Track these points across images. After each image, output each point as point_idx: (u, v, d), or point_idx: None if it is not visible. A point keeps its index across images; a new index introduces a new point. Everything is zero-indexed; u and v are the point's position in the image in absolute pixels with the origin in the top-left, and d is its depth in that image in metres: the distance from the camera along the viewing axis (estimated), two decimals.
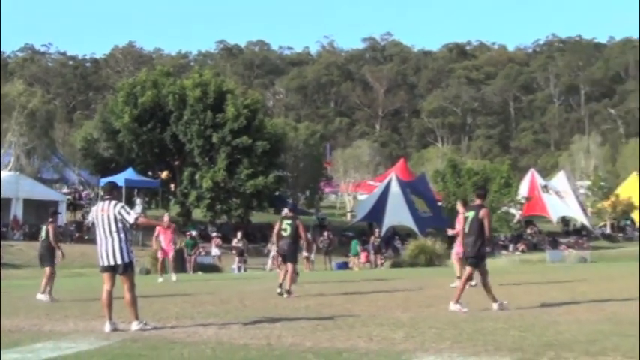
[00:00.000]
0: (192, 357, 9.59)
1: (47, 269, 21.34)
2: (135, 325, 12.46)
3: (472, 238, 14.98)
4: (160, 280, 29.02)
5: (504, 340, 10.19)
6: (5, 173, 54.29)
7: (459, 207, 23.26)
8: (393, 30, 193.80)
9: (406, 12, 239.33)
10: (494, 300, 14.84)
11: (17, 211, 47.54)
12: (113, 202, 12.75)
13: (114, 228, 12.54)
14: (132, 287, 12.66)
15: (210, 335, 11.60)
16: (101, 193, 62.82)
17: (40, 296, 20.41)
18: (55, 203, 54.64)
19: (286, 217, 20.90)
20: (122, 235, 12.58)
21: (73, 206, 60.38)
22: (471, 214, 15.27)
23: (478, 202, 15.69)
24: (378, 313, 14.36)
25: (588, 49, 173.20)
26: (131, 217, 12.74)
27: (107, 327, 12.36)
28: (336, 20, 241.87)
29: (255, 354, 9.67)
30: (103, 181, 59.48)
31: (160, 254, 30.54)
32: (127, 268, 12.67)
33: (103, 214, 12.62)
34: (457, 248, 21.85)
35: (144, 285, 20.81)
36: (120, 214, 12.55)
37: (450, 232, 24.03)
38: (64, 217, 55.17)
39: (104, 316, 12.61)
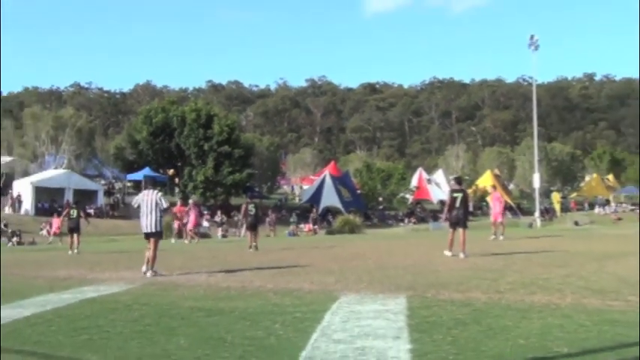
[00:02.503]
0: (190, 295, 9.57)
1: (76, 236, 23.36)
2: (149, 273, 12.77)
3: (462, 211, 15.85)
4: (186, 242, 30.24)
5: (402, 282, 10.25)
6: (61, 170, 53.92)
7: (491, 190, 27.22)
8: (327, 73, 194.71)
9: (335, 61, 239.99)
10: (463, 252, 15.41)
11: (69, 196, 46.87)
12: (155, 191, 13.27)
13: (153, 208, 12.97)
14: (157, 248, 13.10)
15: (203, 280, 11.58)
16: (128, 184, 62.54)
17: (71, 252, 22.69)
18: (95, 192, 54.30)
19: (251, 202, 21.91)
20: (158, 213, 13.05)
21: (108, 193, 59.78)
22: (459, 195, 15.93)
23: (460, 187, 16.52)
24: (317, 265, 14.41)
25: (457, 86, 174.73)
26: (165, 204, 13.38)
27: (144, 269, 12.96)
28: (288, 66, 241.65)
29: (234, 293, 9.68)
30: (129, 176, 59.24)
31: (190, 225, 31.67)
32: (157, 235, 13.20)
33: (147, 198, 13.06)
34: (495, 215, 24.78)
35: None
36: (160, 199, 13.10)
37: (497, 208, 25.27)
38: (102, 200, 54.70)
39: (143, 264, 13.10)
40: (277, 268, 13.78)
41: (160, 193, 13.26)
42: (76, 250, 23.02)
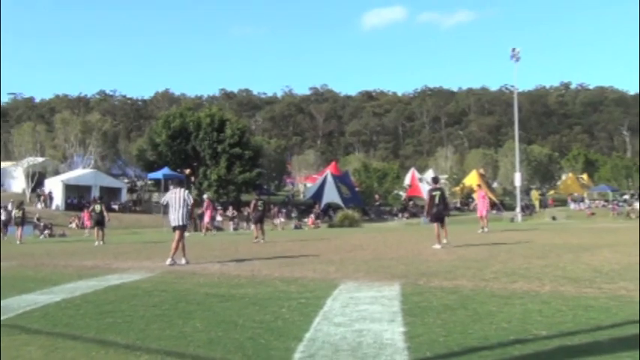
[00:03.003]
0: (205, 283, 9.59)
1: (101, 228, 23.59)
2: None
3: (442, 207, 16.11)
4: (202, 234, 30.41)
5: (396, 271, 10.25)
6: (89, 170, 54.04)
7: (477, 189, 27.31)
8: (328, 82, 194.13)
9: (336, 71, 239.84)
10: (445, 238, 15.93)
11: (95, 193, 46.93)
12: (182, 189, 13.42)
13: (182, 204, 13.15)
14: (181, 239, 13.16)
15: (216, 269, 11.61)
16: (149, 182, 62.50)
17: (97, 243, 22.57)
18: (119, 189, 54.35)
19: (259, 199, 22.17)
20: (185, 209, 13.21)
21: (131, 190, 59.87)
22: (438, 193, 16.13)
23: (437, 185, 16.80)
24: (319, 255, 14.40)
25: (446, 94, 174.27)
26: (191, 200, 13.46)
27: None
28: (293, 76, 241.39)
29: (244, 280, 9.68)
30: (150, 175, 59.07)
31: (206, 219, 31.84)
32: (183, 228, 13.31)
33: (175, 195, 13.22)
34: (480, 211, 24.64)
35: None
36: (188, 196, 13.28)
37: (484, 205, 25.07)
38: (126, 197, 54.78)
39: (170, 254, 13.02)
40: (283, 258, 13.80)
41: (187, 191, 13.41)
42: (101, 242, 23.09)
